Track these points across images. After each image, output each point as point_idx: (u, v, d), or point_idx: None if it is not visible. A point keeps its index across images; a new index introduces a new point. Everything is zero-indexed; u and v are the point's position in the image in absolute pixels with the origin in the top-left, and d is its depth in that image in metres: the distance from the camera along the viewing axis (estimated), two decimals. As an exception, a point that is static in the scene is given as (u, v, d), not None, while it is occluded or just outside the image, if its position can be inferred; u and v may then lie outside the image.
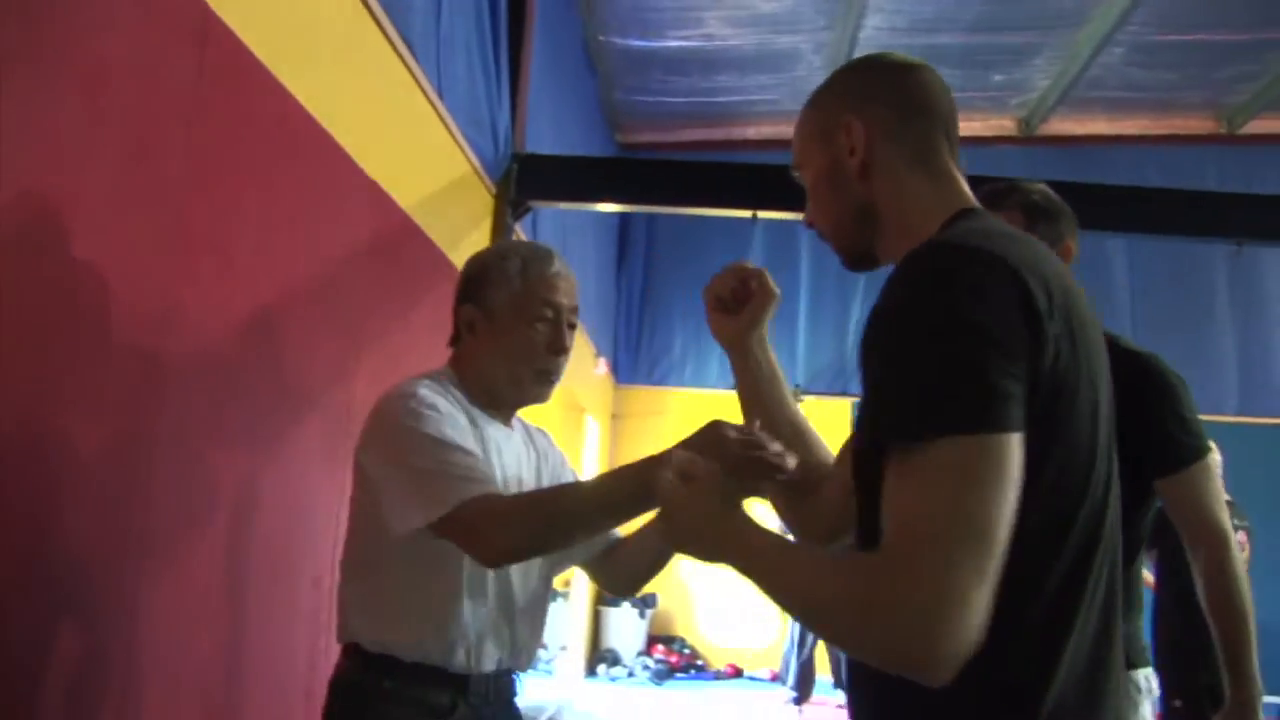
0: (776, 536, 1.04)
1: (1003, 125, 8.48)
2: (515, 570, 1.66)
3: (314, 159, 2.39)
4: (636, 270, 9.61)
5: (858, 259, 1.20)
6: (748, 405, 1.53)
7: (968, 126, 8.11)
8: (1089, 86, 7.59)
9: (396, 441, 1.54)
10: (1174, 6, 6.43)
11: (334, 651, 2.59)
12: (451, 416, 1.58)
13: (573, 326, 1.73)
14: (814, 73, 8.08)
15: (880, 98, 1.15)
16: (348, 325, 2.64)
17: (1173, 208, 4.58)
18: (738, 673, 8.75)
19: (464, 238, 3.64)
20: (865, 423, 1.00)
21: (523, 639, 1.68)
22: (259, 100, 2.13)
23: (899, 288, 0.96)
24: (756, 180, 4.23)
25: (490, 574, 1.61)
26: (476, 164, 3.79)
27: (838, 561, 0.98)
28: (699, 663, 8.79)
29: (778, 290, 1.54)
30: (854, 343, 8.44)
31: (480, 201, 3.97)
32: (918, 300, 0.94)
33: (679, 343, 9.59)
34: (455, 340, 1.73)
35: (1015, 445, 0.89)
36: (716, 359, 9.65)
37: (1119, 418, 2.00)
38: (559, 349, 1.69)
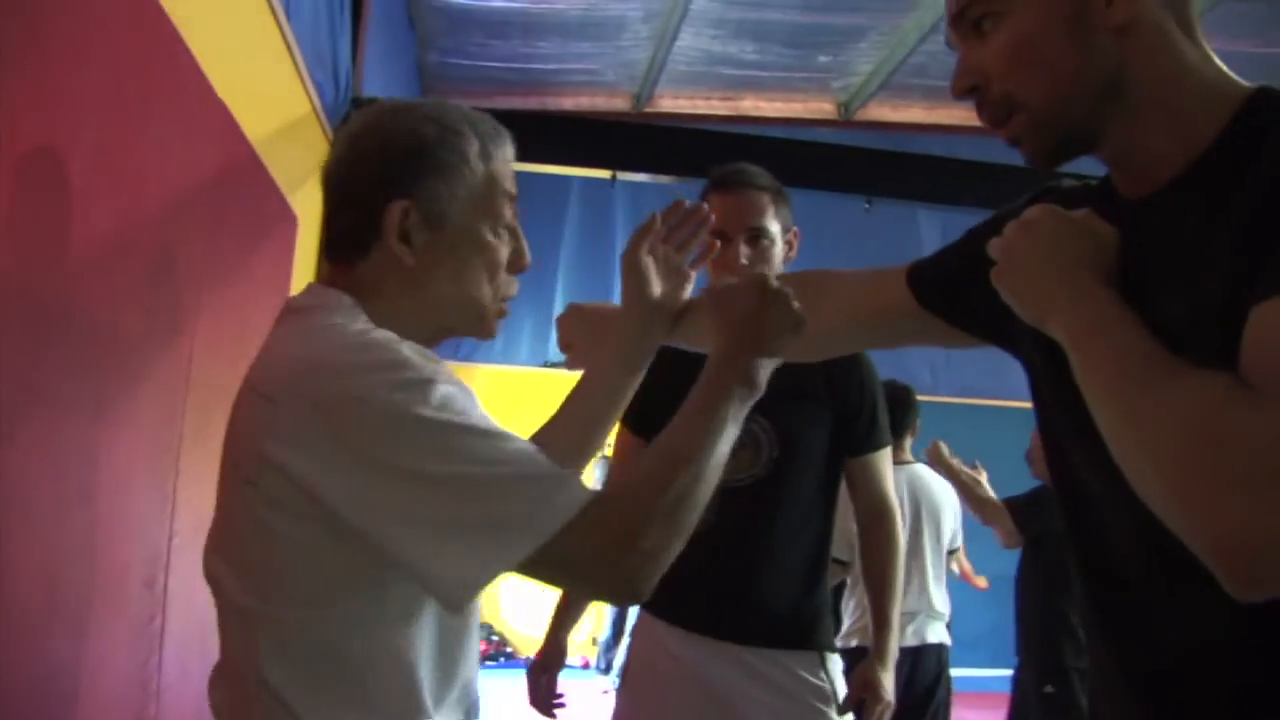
0: (1128, 316, 0.82)
1: (822, 108, 8.51)
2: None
3: (164, 61, 1.95)
4: (444, 237, 9.18)
5: (1069, 145, 0.92)
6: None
7: (788, 108, 8.14)
8: (910, 74, 7.68)
9: (405, 448, 1.02)
10: None
11: (169, 669, 2.18)
12: (460, 386, 1.10)
13: None
14: (639, 43, 7.88)
15: None
16: (188, 266, 2.22)
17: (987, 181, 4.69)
18: (547, 660, 8.50)
19: (300, 187, 3.23)
20: None
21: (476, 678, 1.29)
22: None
23: None
24: (620, 137, 3.97)
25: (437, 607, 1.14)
26: (317, 104, 3.38)
27: (1210, 383, 0.74)
28: (508, 650, 8.51)
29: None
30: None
31: (318, 147, 3.55)
32: None
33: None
34: (355, 250, 1.20)
35: None
36: (527, 335, 9.33)
37: (836, 399, 2.14)
38: (524, 264, 1.28)
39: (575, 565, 1.06)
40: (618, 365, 1.45)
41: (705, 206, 1.46)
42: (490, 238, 1.22)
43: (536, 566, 1.05)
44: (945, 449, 4.05)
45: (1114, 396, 0.80)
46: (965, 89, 0.94)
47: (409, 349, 1.09)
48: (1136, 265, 0.90)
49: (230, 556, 1.15)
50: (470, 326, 1.26)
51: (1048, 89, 0.90)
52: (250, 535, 1.11)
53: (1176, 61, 0.87)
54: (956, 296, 1.15)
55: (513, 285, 1.28)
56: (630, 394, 1.47)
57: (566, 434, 1.45)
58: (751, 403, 1.22)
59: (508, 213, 1.24)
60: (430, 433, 1.03)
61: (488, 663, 8.11)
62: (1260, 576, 0.70)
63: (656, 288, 1.41)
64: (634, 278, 1.41)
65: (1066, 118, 0.90)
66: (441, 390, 1.05)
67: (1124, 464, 0.79)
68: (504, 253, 1.24)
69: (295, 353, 1.12)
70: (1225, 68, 0.90)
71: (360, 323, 1.13)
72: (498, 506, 1.03)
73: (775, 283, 1.25)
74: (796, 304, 1.23)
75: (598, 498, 1.06)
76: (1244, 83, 0.89)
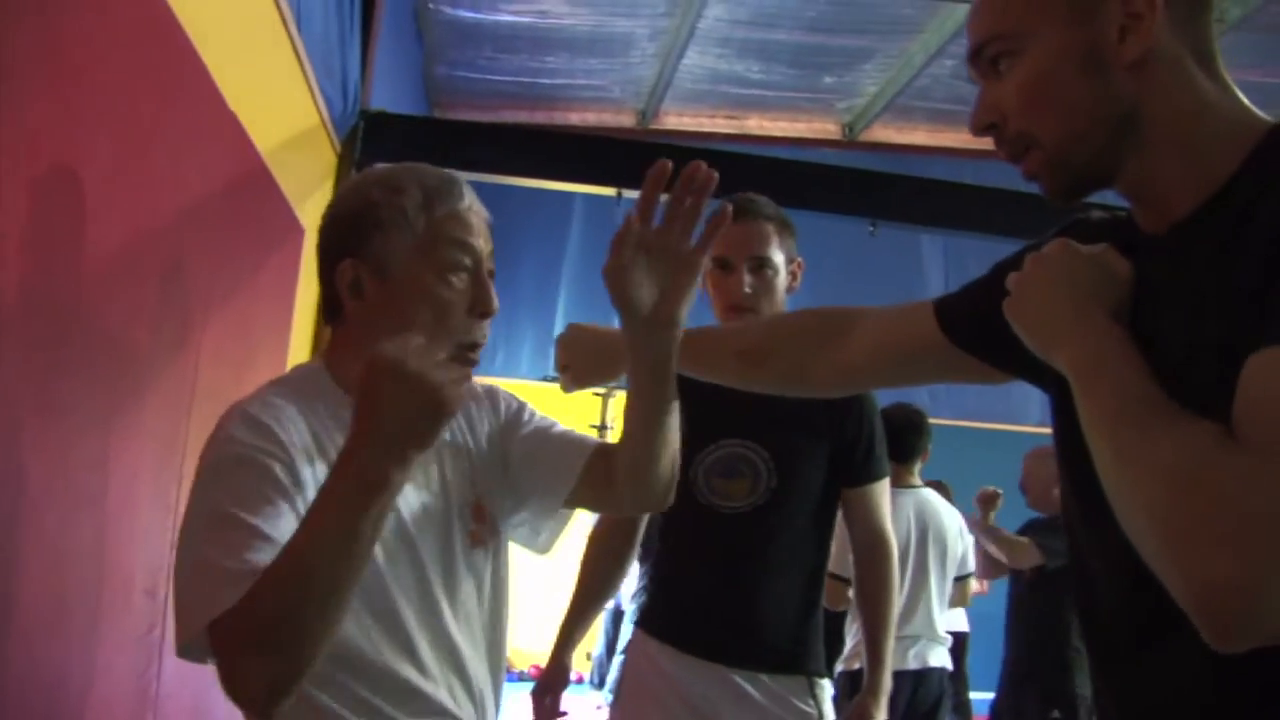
0: (1131, 353, 0.83)
1: (826, 129, 8.53)
2: (441, 591, 1.27)
3: (177, 71, 1.96)
4: (445, 251, 9.16)
5: (1085, 181, 0.91)
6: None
7: (792, 127, 8.16)
8: (915, 96, 7.71)
9: (188, 508, 1.17)
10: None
11: (168, 677, 2.18)
12: (261, 464, 1.15)
13: (492, 276, 1.31)
14: (646, 61, 7.91)
15: None
16: (196, 278, 2.22)
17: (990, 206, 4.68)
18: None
19: (308, 198, 3.24)
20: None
21: (481, 680, 1.29)
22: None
23: None
24: (625, 155, 3.97)
25: (405, 605, 1.24)
26: (325, 116, 3.38)
27: (1201, 432, 0.74)
28: (502, 664, 8.50)
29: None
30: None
31: (325, 160, 3.56)
32: None
33: (489, 329, 9.17)
34: (333, 314, 1.31)
35: None
36: (528, 350, 9.32)
37: (835, 431, 2.14)
38: (486, 309, 1.28)
39: (217, 665, 1.09)
40: (644, 392, 1.30)
41: (703, 164, 1.24)
42: (436, 285, 1.26)
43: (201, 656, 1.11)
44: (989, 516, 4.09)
45: (1109, 435, 0.80)
46: (983, 126, 0.94)
47: (244, 422, 1.20)
48: (1149, 300, 0.90)
49: None
50: None
51: (1062, 127, 0.89)
52: None
53: (1193, 96, 0.86)
54: (985, 331, 1.12)
55: (475, 329, 1.28)
56: (673, 418, 1.31)
57: (628, 471, 1.35)
58: (385, 500, 1.05)
59: (464, 259, 1.27)
60: (193, 502, 1.17)
61: (482, 676, 8.09)
62: (1237, 629, 0.70)
63: (652, 296, 1.25)
64: (623, 292, 1.25)
65: (1081, 155, 0.90)
66: (238, 472, 1.15)
67: (1114, 502, 0.79)
68: (458, 298, 1.27)
69: None
70: (1247, 101, 0.89)
71: (274, 388, 1.27)
72: (186, 589, 1.12)
73: (409, 359, 1.05)
74: (449, 377, 1.06)
75: (231, 608, 1.04)
76: (1266, 117, 0.88)
